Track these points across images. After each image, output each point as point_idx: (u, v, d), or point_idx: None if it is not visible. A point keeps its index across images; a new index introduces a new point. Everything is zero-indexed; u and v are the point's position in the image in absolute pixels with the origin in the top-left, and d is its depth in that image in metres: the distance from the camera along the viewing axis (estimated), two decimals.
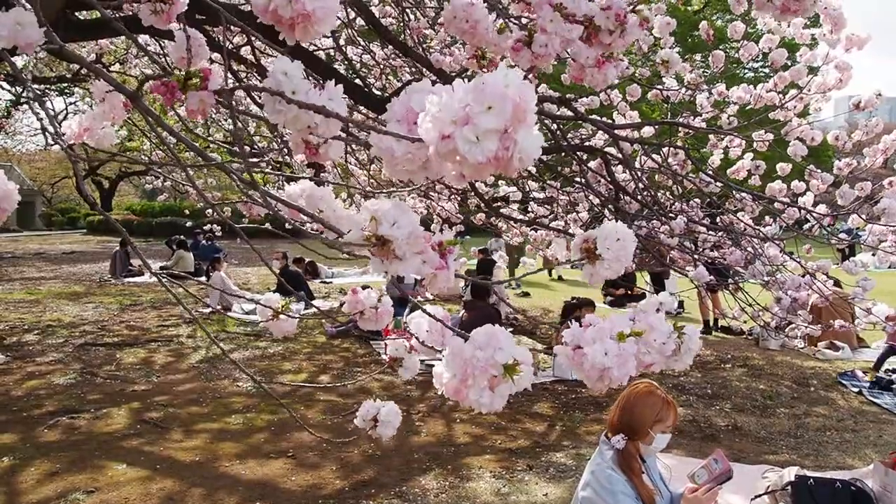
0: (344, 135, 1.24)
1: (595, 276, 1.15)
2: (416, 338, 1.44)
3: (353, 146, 4.82)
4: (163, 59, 5.59)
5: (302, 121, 1.09)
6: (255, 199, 1.51)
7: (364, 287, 1.62)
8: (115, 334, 9.09)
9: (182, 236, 16.57)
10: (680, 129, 5.11)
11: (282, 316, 1.70)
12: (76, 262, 19.12)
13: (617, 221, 1.13)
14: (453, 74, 4.47)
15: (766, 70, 21.03)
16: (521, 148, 0.82)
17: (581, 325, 1.15)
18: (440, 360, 1.05)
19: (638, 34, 1.58)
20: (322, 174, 5.11)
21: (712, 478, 2.78)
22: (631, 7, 1.56)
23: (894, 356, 7.38)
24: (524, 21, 1.93)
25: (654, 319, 1.15)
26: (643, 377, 2.87)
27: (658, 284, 9.58)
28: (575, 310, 7.82)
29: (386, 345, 1.75)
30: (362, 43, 6.09)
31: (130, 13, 4.40)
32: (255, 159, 5.86)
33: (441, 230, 1.24)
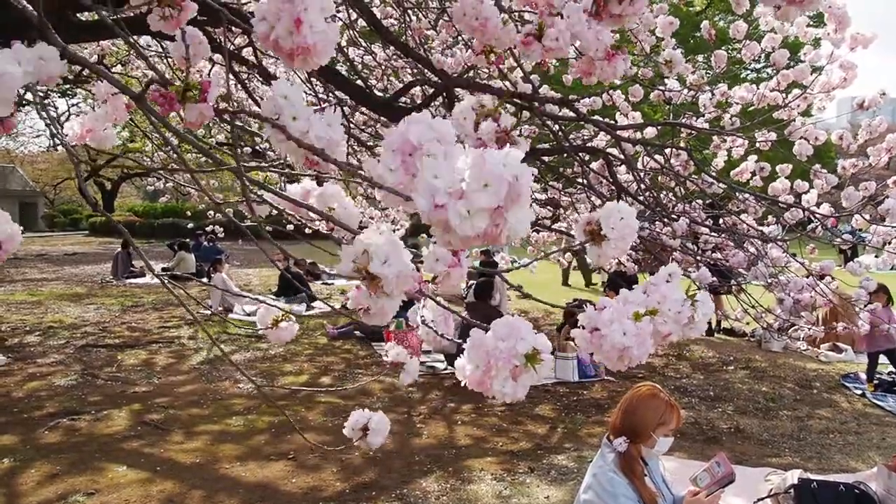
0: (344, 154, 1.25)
1: (602, 256, 1.16)
2: (428, 330, 1.46)
3: (356, 147, 4.81)
4: (164, 61, 5.58)
5: (302, 152, 1.12)
6: (262, 197, 1.52)
7: None
8: (116, 336, 9.09)
9: (187, 239, 16.55)
10: (682, 129, 5.09)
11: (281, 324, 1.70)
12: (78, 264, 19.13)
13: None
14: (455, 75, 4.46)
15: (769, 71, 21.01)
16: (510, 226, 0.84)
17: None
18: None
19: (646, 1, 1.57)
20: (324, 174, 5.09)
21: (714, 481, 2.76)
22: None
23: (882, 358, 7.32)
24: (526, 16, 1.92)
25: (667, 289, 1.17)
26: (646, 378, 2.85)
27: None
28: (576, 313, 7.79)
29: (387, 350, 1.75)
30: (364, 44, 6.09)
31: (132, 14, 4.39)
32: (256, 159, 5.85)
33: None
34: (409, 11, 5.03)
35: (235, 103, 6.88)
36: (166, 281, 1.75)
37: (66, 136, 1.59)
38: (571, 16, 1.59)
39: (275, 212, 1.57)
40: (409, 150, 0.91)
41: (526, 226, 0.86)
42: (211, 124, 9.04)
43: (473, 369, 1.03)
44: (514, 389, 0.99)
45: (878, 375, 7.14)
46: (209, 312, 10.29)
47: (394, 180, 0.93)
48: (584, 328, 1.15)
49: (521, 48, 1.69)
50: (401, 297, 1.02)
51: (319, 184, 1.41)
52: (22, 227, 1.15)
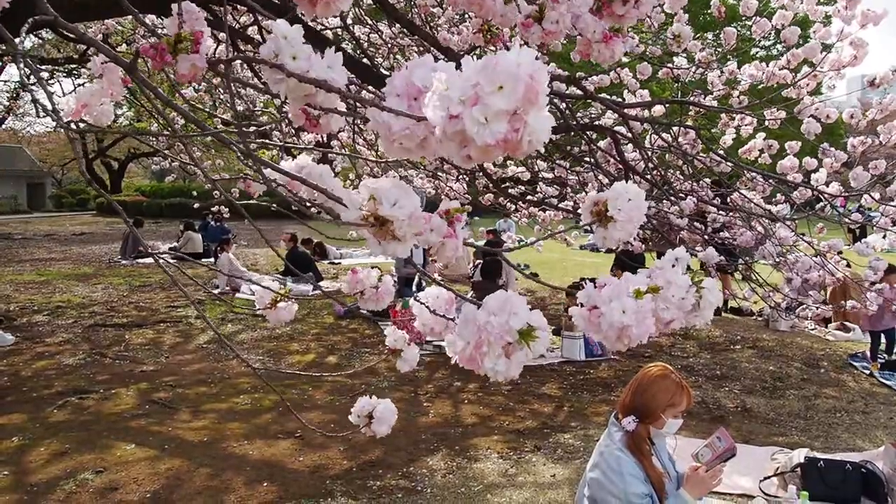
0: (344, 108, 1.22)
1: (609, 238, 1.12)
2: (421, 321, 1.42)
3: (361, 126, 4.79)
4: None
5: (303, 89, 1.07)
6: (254, 171, 1.49)
7: (373, 268, 1.60)
8: (123, 315, 9.12)
9: (193, 220, 16.53)
10: (690, 107, 5.05)
11: (280, 305, 1.68)
12: (86, 244, 19.17)
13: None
14: (461, 53, 4.42)
15: (779, 47, 20.81)
16: (531, 130, 0.79)
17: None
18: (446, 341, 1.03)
19: (652, 3, 1.54)
20: (330, 155, 5.07)
21: (716, 455, 2.75)
22: None
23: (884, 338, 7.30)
24: None
25: (672, 274, 1.12)
26: (653, 357, 2.84)
27: None
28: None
29: (386, 335, 1.73)
30: (370, 22, 6.04)
31: None
32: (260, 138, 5.82)
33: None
34: None
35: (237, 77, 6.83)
36: (172, 263, 1.74)
37: (61, 111, 1.54)
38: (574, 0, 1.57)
39: (269, 188, 1.54)
40: (414, 93, 0.88)
41: (547, 130, 0.81)
42: (217, 103, 9.00)
43: (464, 345, 0.98)
44: (507, 367, 0.94)
45: (884, 355, 7.12)
46: (216, 292, 10.32)
47: (400, 126, 0.89)
48: (582, 306, 1.09)
49: (521, 30, 1.67)
50: (412, 242, 0.98)
51: (323, 159, 1.40)
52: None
